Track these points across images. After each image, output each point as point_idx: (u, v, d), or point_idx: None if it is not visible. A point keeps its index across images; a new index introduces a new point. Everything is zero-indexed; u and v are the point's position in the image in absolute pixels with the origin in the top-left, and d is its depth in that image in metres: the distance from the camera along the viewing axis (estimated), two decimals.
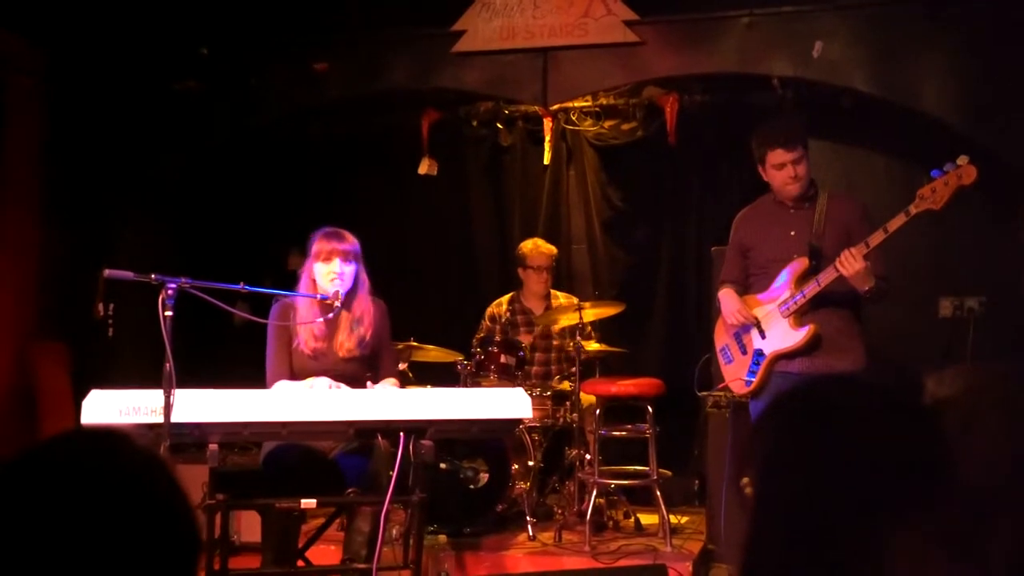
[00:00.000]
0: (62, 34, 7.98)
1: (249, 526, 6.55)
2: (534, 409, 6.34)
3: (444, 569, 6.41)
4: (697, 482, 7.82)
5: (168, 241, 8.63)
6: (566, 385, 7.44)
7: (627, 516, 7.37)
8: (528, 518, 6.92)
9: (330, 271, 5.58)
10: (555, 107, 8.59)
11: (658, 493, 6.91)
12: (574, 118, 8.90)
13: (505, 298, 8.18)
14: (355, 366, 5.68)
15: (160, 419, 4.50)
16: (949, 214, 5.31)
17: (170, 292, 4.60)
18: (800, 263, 5.64)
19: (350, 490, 5.30)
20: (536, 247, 8.07)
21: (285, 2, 8.36)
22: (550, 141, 8.80)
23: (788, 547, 1.75)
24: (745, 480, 1.88)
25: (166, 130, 8.52)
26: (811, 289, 5.55)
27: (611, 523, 7.29)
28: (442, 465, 6.63)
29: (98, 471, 1.56)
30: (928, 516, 1.70)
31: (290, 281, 5.95)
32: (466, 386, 7.18)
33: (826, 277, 5.48)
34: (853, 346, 5.65)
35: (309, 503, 5.06)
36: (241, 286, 4.91)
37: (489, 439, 6.71)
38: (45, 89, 8.11)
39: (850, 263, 5.31)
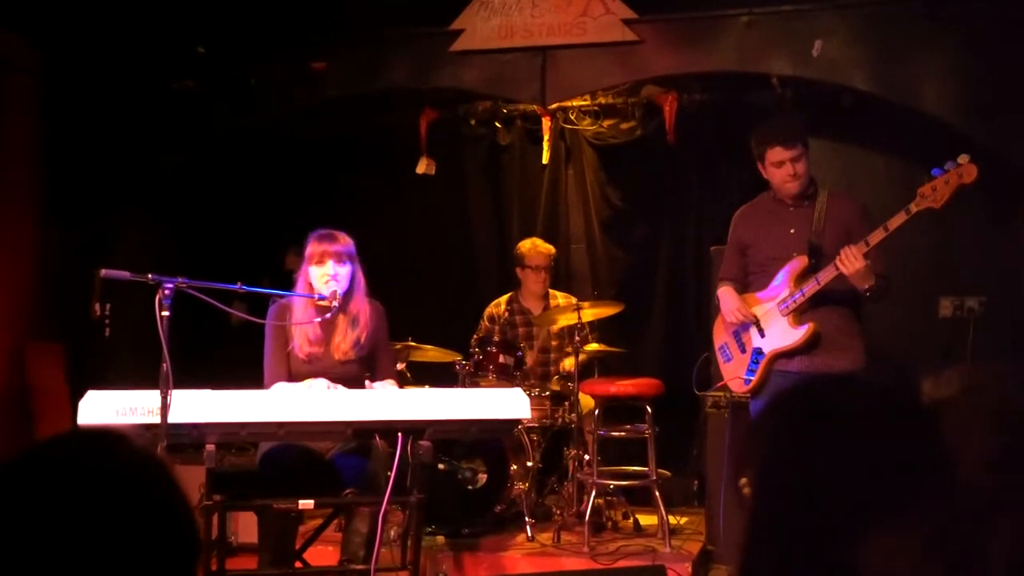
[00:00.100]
0: (60, 33, 7.97)
1: (246, 527, 6.50)
2: (533, 409, 6.32)
3: (442, 570, 6.40)
4: (696, 482, 7.80)
5: (165, 241, 8.62)
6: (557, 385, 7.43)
7: (626, 517, 7.36)
8: (527, 519, 6.89)
9: (324, 273, 5.58)
10: (554, 106, 8.57)
11: (657, 494, 6.90)
12: (573, 117, 8.89)
13: (504, 298, 8.18)
14: (352, 368, 5.67)
15: (157, 420, 4.49)
16: (949, 213, 5.30)
17: (167, 292, 4.59)
18: (799, 261, 5.63)
19: (348, 491, 5.29)
20: (534, 247, 8.06)
21: (283, 1, 8.34)
22: (549, 140, 8.79)
23: (786, 547, 1.75)
24: (743, 480, 1.88)
25: (164, 129, 8.50)
26: (810, 288, 5.54)
27: (610, 524, 7.28)
28: (440, 466, 6.62)
29: (97, 472, 1.55)
30: (927, 516, 1.69)
31: (288, 281, 5.94)
32: (464, 386, 7.17)
33: (826, 276, 5.47)
34: (853, 345, 5.65)
35: (307, 504, 5.07)
36: (238, 286, 4.89)
37: (487, 439, 6.71)
38: (43, 88, 8.10)
39: (850, 261, 5.30)
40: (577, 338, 7.22)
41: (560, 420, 7.29)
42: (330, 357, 5.65)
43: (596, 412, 7.04)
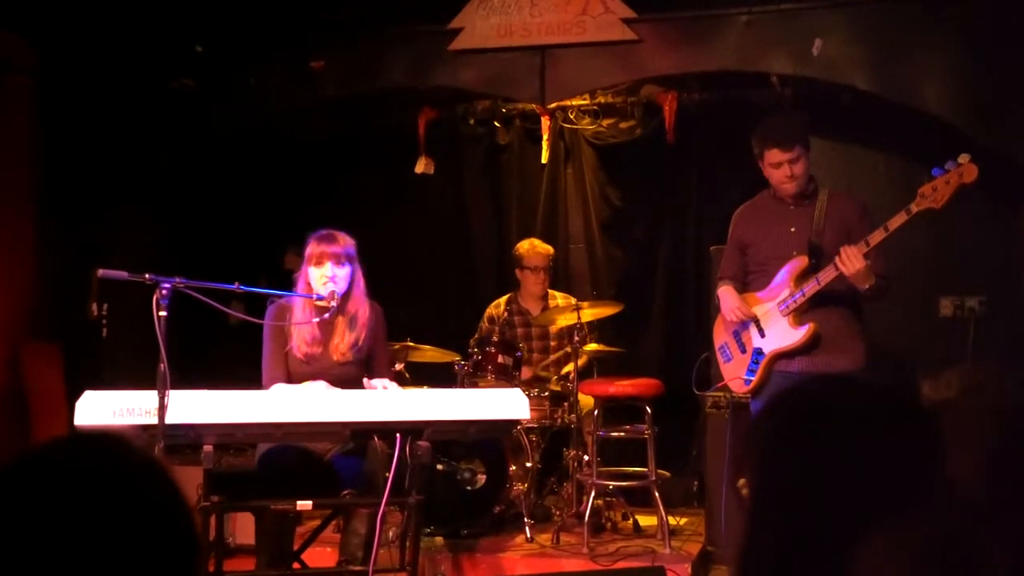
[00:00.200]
0: (58, 32, 7.95)
1: (244, 528, 6.48)
2: (532, 410, 6.33)
3: (441, 571, 6.39)
4: (696, 483, 7.78)
5: (163, 240, 8.58)
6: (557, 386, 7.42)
7: (625, 517, 7.36)
8: (526, 520, 6.89)
9: (322, 275, 5.57)
10: (553, 105, 8.55)
11: (657, 494, 6.89)
12: (572, 116, 8.87)
13: (503, 299, 8.17)
14: (350, 370, 5.66)
15: (154, 420, 4.48)
16: (949, 212, 5.29)
17: (164, 292, 4.58)
18: (799, 261, 5.62)
19: (346, 492, 5.28)
20: (532, 247, 8.05)
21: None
22: (548, 140, 8.76)
23: (785, 548, 1.76)
24: (742, 481, 1.91)
25: (162, 129, 8.47)
26: (811, 288, 5.53)
27: (609, 525, 7.27)
28: (439, 466, 6.59)
29: (96, 475, 1.55)
30: (926, 517, 1.70)
31: (286, 281, 5.92)
32: (463, 387, 7.16)
33: (826, 276, 5.47)
34: (853, 345, 5.64)
35: (305, 505, 5.05)
36: (236, 286, 4.88)
37: (486, 440, 6.71)
38: (40, 88, 8.08)
39: (851, 262, 5.29)
40: (576, 338, 7.18)
41: (559, 421, 7.27)
42: (328, 358, 5.64)
43: (595, 412, 7.03)
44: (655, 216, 8.80)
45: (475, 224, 9.27)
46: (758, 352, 5.73)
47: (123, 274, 4.62)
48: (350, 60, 8.35)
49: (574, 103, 8.75)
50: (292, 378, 5.59)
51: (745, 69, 7.74)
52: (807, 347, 5.59)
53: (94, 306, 7.45)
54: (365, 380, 5.60)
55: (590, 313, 7.38)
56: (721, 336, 6.02)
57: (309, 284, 5.61)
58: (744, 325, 5.81)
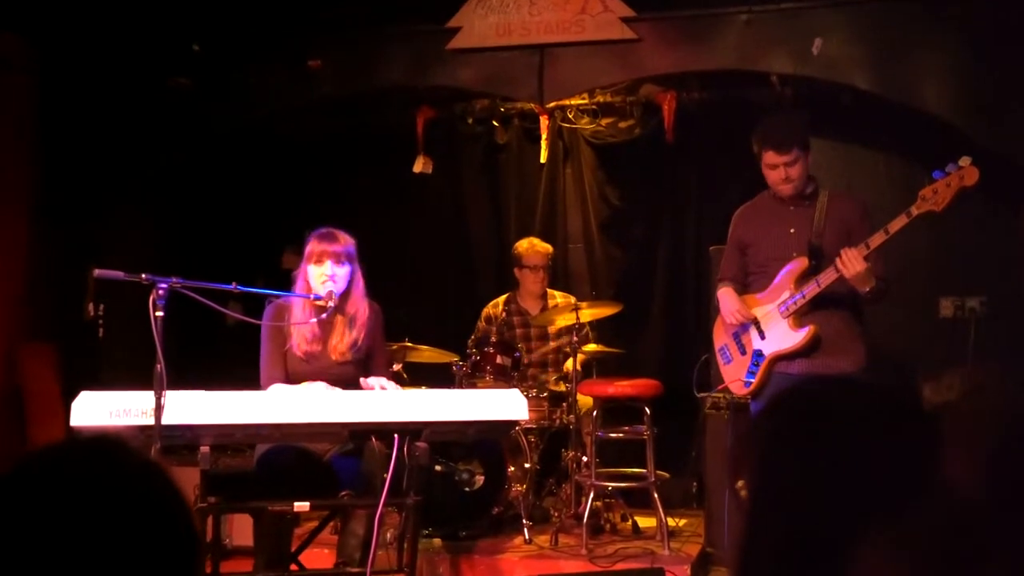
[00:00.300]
0: (54, 32, 7.93)
1: (241, 529, 6.45)
2: (530, 411, 6.32)
3: (439, 573, 6.39)
4: (695, 484, 7.74)
5: (160, 240, 8.56)
6: (562, 386, 7.39)
7: (624, 519, 7.34)
8: (524, 521, 6.86)
9: (322, 273, 5.55)
10: (552, 105, 8.52)
11: (656, 495, 6.87)
12: (571, 116, 8.84)
13: (501, 299, 8.15)
14: (349, 369, 5.63)
15: (151, 421, 4.45)
16: (950, 213, 5.28)
17: (161, 292, 4.55)
18: (800, 263, 5.61)
19: (344, 493, 5.25)
20: (532, 246, 8.02)
21: None
22: (547, 139, 8.73)
23: (784, 550, 1.76)
24: (740, 483, 1.93)
25: (158, 128, 8.45)
26: (811, 290, 5.53)
27: (608, 526, 7.24)
28: (437, 467, 6.57)
29: (96, 478, 1.55)
30: (927, 519, 1.70)
31: (284, 281, 5.90)
32: (461, 387, 7.15)
33: (826, 278, 5.46)
34: (853, 347, 5.63)
35: (302, 506, 5.04)
36: (233, 286, 4.87)
37: (485, 441, 6.66)
38: (38, 88, 8.05)
39: (851, 264, 5.28)
40: (575, 338, 7.16)
41: (558, 421, 7.26)
42: (327, 357, 5.63)
43: (594, 413, 7.02)
44: (654, 216, 8.78)
45: (474, 224, 9.24)
46: (758, 354, 5.72)
47: (119, 274, 4.60)
48: (348, 59, 8.34)
49: (573, 102, 8.73)
50: (291, 378, 5.57)
51: (745, 68, 7.73)
52: (807, 349, 5.58)
53: (90, 306, 7.44)
54: (362, 380, 5.57)
55: (589, 313, 7.36)
56: (721, 338, 6.01)
57: (308, 283, 5.59)
58: (744, 327, 5.81)
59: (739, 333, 5.85)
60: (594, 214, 8.88)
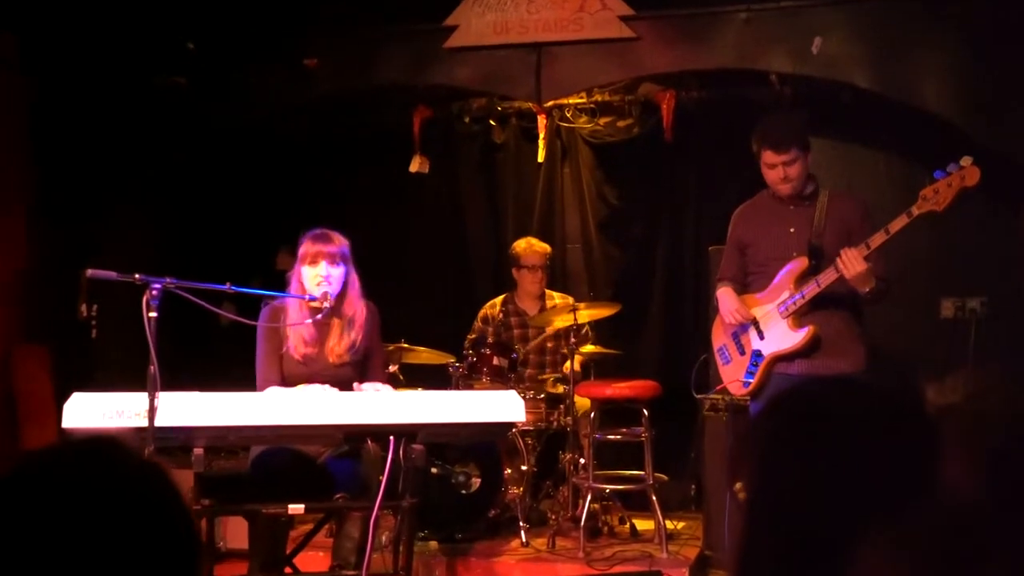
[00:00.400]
0: (50, 31, 7.90)
1: (235, 532, 6.48)
2: (527, 412, 6.31)
3: None
4: (694, 486, 7.73)
5: (155, 240, 8.52)
6: (559, 388, 7.35)
7: (622, 522, 7.34)
8: (521, 524, 6.86)
9: (316, 274, 5.53)
10: (549, 104, 8.48)
11: (654, 498, 6.86)
12: (569, 115, 8.81)
13: (499, 299, 8.12)
14: (346, 371, 5.61)
15: (144, 422, 4.44)
16: (950, 213, 5.26)
17: (154, 292, 4.55)
18: (799, 262, 5.59)
19: (339, 495, 5.22)
20: (530, 246, 8.00)
21: None
22: (544, 138, 8.68)
23: (783, 551, 1.75)
24: (738, 485, 1.87)
25: (154, 128, 8.41)
26: (811, 290, 5.51)
27: (606, 529, 7.23)
28: (433, 469, 6.54)
29: (97, 480, 1.55)
30: (927, 521, 1.67)
31: (279, 281, 5.87)
32: (458, 389, 7.13)
33: (826, 278, 5.44)
34: (853, 348, 5.61)
35: (297, 508, 4.99)
36: (227, 286, 4.84)
37: (481, 443, 6.66)
38: (31, 87, 8.01)
39: (851, 264, 5.27)
40: (574, 339, 7.13)
41: (555, 423, 7.25)
42: (324, 359, 5.61)
43: (592, 415, 7.01)
44: (653, 215, 8.76)
45: (471, 224, 9.22)
46: (757, 354, 5.71)
47: (112, 274, 4.60)
48: (344, 58, 8.30)
49: (571, 101, 8.70)
50: (287, 380, 5.55)
51: (744, 67, 7.71)
52: (807, 349, 5.57)
53: (83, 307, 7.38)
54: (355, 385, 5.55)
55: (587, 314, 7.35)
56: (720, 338, 5.99)
57: (302, 284, 5.57)
58: (743, 327, 5.79)
59: (738, 333, 5.83)
60: (592, 214, 8.85)
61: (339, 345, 5.60)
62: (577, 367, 7.22)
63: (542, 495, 7.48)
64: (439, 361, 7.50)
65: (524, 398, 5.43)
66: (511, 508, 7.04)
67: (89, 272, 4.58)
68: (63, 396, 4.62)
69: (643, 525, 7.21)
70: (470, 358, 7.30)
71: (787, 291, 5.59)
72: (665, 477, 7.28)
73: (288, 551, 5.52)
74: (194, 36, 8.23)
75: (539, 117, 8.65)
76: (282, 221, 8.21)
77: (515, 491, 7.02)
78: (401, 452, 4.88)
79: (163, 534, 1.57)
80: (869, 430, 1.77)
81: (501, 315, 7.99)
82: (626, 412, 7.13)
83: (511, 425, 5.62)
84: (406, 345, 7.33)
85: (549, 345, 7.90)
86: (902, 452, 1.75)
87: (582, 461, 7.06)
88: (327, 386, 5.39)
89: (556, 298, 8.00)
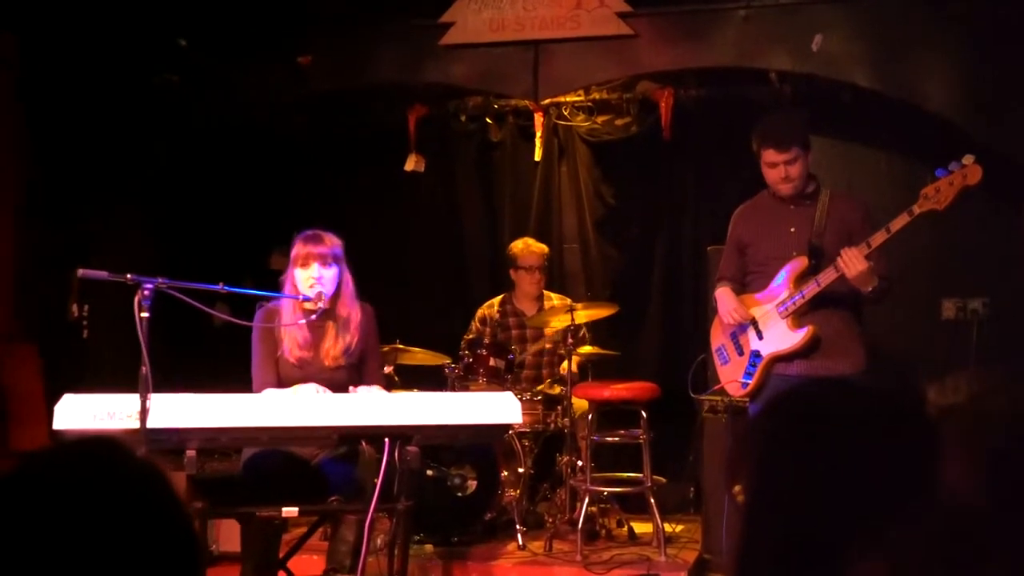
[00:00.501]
0: (39, 27, 7.87)
1: (228, 535, 6.43)
2: (524, 414, 6.25)
3: None
4: (693, 489, 7.71)
5: (147, 239, 8.50)
6: (557, 389, 7.32)
7: (620, 524, 7.31)
8: (518, 527, 6.83)
9: (309, 276, 5.49)
10: (546, 102, 8.47)
11: (652, 501, 6.84)
12: (566, 113, 8.78)
13: (496, 299, 8.09)
14: (342, 374, 5.57)
15: (136, 424, 4.41)
16: (951, 213, 5.24)
17: (146, 292, 4.50)
18: (799, 262, 5.58)
19: (333, 498, 5.18)
20: (527, 246, 7.96)
21: None
22: (541, 137, 8.67)
23: (782, 552, 1.75)
24: (737, 488, 1.88)
25: (145, 125, 8.38)
26: (810, 290, 5.50)
27: (604, 532, 7.20)
28: (429, 472, 6.56)
29: (97, 481, 1.55)
30: (928, 522, 1.69)
31: (272, 281, 5.86)
32: (454, 390, 7.11)
33: (826, 278, 5.43)
34: (853, 348, 5.59)
35: (291, 511, 4.98)
36: (220, 286, 4.81)
37: (478, 445, 6.64)
38: (22, 84, 7.97)
39: (852, 263, 5.25)
40: (571, 341, 7.08)
41: (553, 425, 7.22)
42: (319, 362, 5.57)
43: (590, 416, 6.98)
44: (651, 215, 8.74)
45: (467, 223, 9.19)
46: (756, 355, 5.70)
47: (103, 274, 4.56)
48: (338, 55, 8.27)
49: (568, 99, 8.67)
50: (283, 383, 5.51)
51: (743, 65, 7.70)
52: (806, 350, 5.55)
53: (75, 307, 7.37)
54: (351, 388, 5.50)
55: (584, 315, 7.31)
56: (718, 338, 5.98)
57: (295, 286, 5.53)
58: (742, 327, 5.78)
59: (737, 333, 5.82)
60: (590, 213, 8.82)
61: (334, 348, 5.57)
62: (575, 368, 7.17)
63: (539, 498, 7.46)
64: (435, 362, 7.47)
65: (521, 399, 5.43)
66: (508, 511, 7.01)
67: (80, 272, 4.56)
68: (54, 397, 4.59)
69: (641, 528, 7.18)
70: (466, 359, 7.27)
71: (787, 291, 5.58)
72: (663, 479, 7.25)
73: (282, 555, 5.48)
74: (188, 34, 8.20)
75: (536, 115, 8.63)
76: (275, 221, 8.19)
77: (512, 494, 7.00)
78: (396, 454, 4.84)
79: (165, 535, 1.56)
80: (868, 432, 1.77)
81: (499, 315, 7.96)
82: (624, 414, 7.11)
83: (508, 427, 5.63)
84: (401, 346, 7.29)
85: (547, 346, 7.87)
86: (901, 454, 1.75)
87: (579, 463, 7.04)
88: (320, 387, 5.35)
89: (554, 299, 7.97)
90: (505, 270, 8.14)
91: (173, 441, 4.68)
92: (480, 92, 8.69)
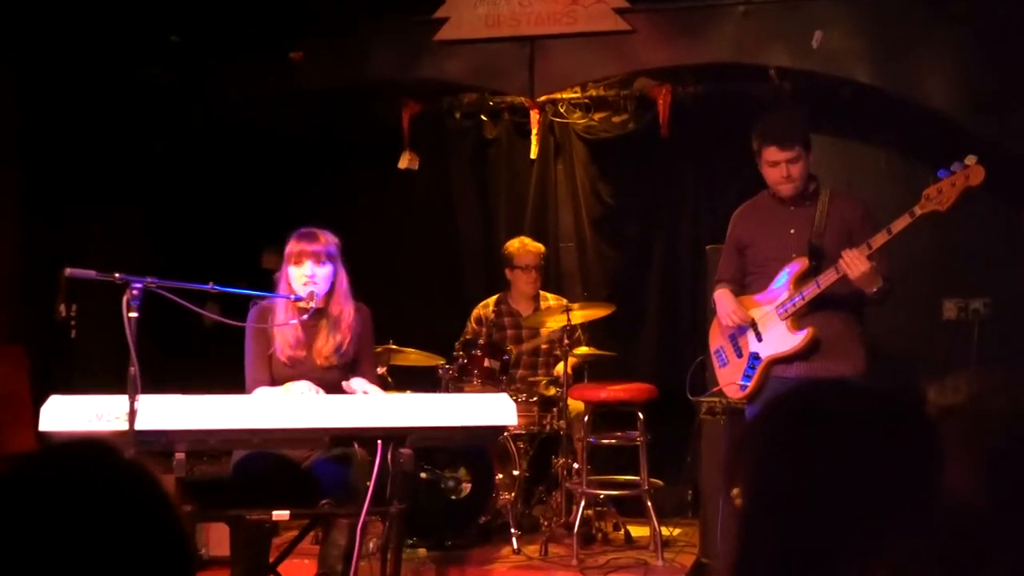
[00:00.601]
0: (34, 25, 7.83)
1: (218, 539, 6.43)
2: (520, 416, 6.31)
3: None
4: (690, 492, 7.71)
5: (137, 238, 8.47)
6: (552, 390, 7.29)
7: (616, 528, 7.30)
8: (513, 530, 6.83)
9: (302, 274, 5.47)
10: (542, 98, 8.45)
11: (649, 504, 6.85)
12: (562, 110, 8.75)
13: (492, 299, 8.08)
14: (334, 375, 5.54)
15: (124, 426, 4.37)
16: (953, 213, 5.22)
17: (135, 292, 4.47)
18: (800, 263, 5.56)
19: (325, 501, 5.14)
20: (523, 246, 7.94)
21: None
22: (537, 134, 8.66)
23: (780, 555, 1.74)
24: (735, 491, 1.87)
25: (135, 123, 8.35)
26: (810, 291, 5.48)
27: (600, 535, 7.21)
28: (422, 474, 6.58)
29: (88, 484, 1.55)
30: (928, 523, 1.71)
31: (266, 281, 5.83)
32: (448, 391, 7.09)
33: (826, 279, 5.41)
34: (853, 350, 5.57)
35: (281, 515, 4.93)
36: (210, 286, 4.78)
37: (472, 447, 6.66)
38: (14, 82, 7.90)
39: (855, 265, 5.23)
40: (567, 341, 7.04)
41: (548, 427, 7.22)
42: (312, 362, 5.54)
43: (586, 418, 6.97)
44: (649, 213, 8.71)
45: (462, 221, 9.16)
46: (754, 357, 5.69)
47: (91, 273, 4.52)
48: (330, 51, 8.22)
49: (564, 96, 8.65)
50: (275, 383, 5.49)
51: (742, 62, 7.65)
52: (805, 352, 5.54)
53: (62, 306, 7.27)
54: (344, 383, 5.50)
55: (581, 315, 7.30)
56: (717, 340, 5.96)
57: (289, 284, 5.51)
58: (741, 329, 5.77)
59: (736, 335, 5.80)
60: (586, 211, 8.79)
61: (327, 347, 5.54)
62: (570, 369, 7.12)
63: (534, 501, 7.45)
64: (429, 363, 7.47)
65: (516, 401, 5.44)
66: (502, 514, 7.00)
67: (68, 271, 4.51)
68: (41, 398, 4.56)
69: (638, 531, 7.18)
70: (461, 360, 7.26)
71: (786, 292, 5.56)
72: (661, 482, 7.25)
73: (272, 559, 5.45)
74: (181, 30, 8.16)
75: (532, 112, 8.62)
76: (266, 219, 8.17)
77: (506, 496, 6.99)
78: (389, 456, 4.81)
79: (155, 538, 1.56)
80: (867, 433, 1.76)
81: (494, 315, 7.95)
82: (621, 415, 7.10)
83: (503, 429, 5.66)
84: (394, 347, 7.30)
85: (543, 347, 7.84)
86: (901, 455, 1.75)
87: (575, 466, 7.05)
88: (308, 383, 5.33)
89: (551, 299, 7.97)
90: (500, 269, 8.12)
91: (162, 443, 4.63)
92: (475, 89, 8.65)
